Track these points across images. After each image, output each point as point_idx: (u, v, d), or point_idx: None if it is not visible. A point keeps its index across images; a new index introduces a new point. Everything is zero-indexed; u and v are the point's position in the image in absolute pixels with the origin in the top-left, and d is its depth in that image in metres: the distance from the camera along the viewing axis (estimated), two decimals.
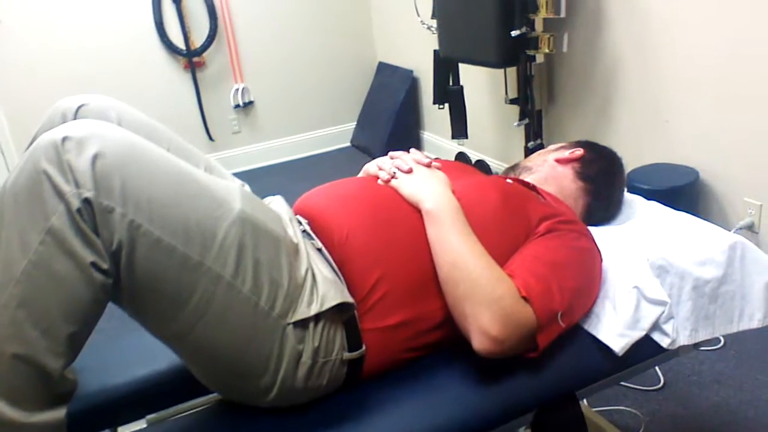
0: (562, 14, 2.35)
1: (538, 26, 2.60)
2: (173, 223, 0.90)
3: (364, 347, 1.05)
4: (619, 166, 1.45)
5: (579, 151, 1.42)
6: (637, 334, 1.13)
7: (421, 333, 1.10)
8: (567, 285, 1.08)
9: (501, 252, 1.10)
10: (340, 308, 1.02)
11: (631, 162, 2.07)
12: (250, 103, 4.09)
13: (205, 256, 0.92)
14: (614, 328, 1.13)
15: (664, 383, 1.87)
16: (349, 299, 1.03)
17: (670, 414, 1.77)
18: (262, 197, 1.23)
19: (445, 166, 1.27)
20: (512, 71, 2.72)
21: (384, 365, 1.10)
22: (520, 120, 2.70)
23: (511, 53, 2.52)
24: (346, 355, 1.04)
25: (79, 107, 1.11)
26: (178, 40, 3.77)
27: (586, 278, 1.14)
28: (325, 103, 4.32)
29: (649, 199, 1.49)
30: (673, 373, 1.91)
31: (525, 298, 1.02)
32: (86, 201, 0.84)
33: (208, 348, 0.97)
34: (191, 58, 3.83)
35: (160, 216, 0.89)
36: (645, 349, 1.16)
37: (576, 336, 1.15)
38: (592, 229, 1.31)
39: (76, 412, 0.95)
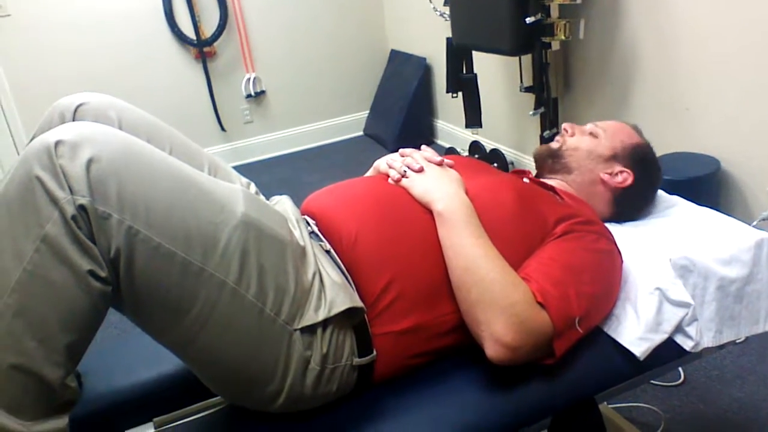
0: (578, 0, 2.29)
1: (554, 12, 2.53)
2: (173, 229, 0.87)
3: (374, 352, 1.03)
4: (655, 192, 1.38)
5: (629, 180, 1.31)
6: (660, 338, 1.09)
7: (433, 337, 1.06)
8: (585, 290, 1.04)
9: (516, 255, 1.07)
10: (350, 313, 0.99)
11: None
12: (262, 92, 4.05)
13: (207, 262, 0.89)
14: (635, 331, 1.09)
15: (685, 379, 1.83)
16: (359, 304, 1.00)
17: (691, 410, 1.73)
18: (275, 188, 1.19)
19: (458, 163, 1.23)
20: (527, 59, 2.67)
21: (395, 370, 1.07)
22: (535, 108, 2.65)
23: (526, 40, 2.47)
24: (356, 360, 1.01)
25: (78, 106, 1.08)
26: (188, 30, 3.73)
27: (605, 282, 1.10)
28: (338, 91, 4.27)
29: (670, 192, 1.44)
30: (694, 369, 1.86)
31: (541, 304, 0.99)
32: (81, 207, 0.82)
33: (213, 355, 0.95)
34: (202, 48, 3.79)
35: (158, 221, 0.86)
36: (667, 352, 1.12)
37: (596, 339, 1.11)
38: (611, 226, 1.26)
39: (82, 416, 0.94)
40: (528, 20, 2.36)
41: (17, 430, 0.84)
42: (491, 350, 0.97)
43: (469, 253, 1.02)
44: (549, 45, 2.56)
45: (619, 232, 1.25)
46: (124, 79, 3.64)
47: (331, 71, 4.21)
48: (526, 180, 1.27)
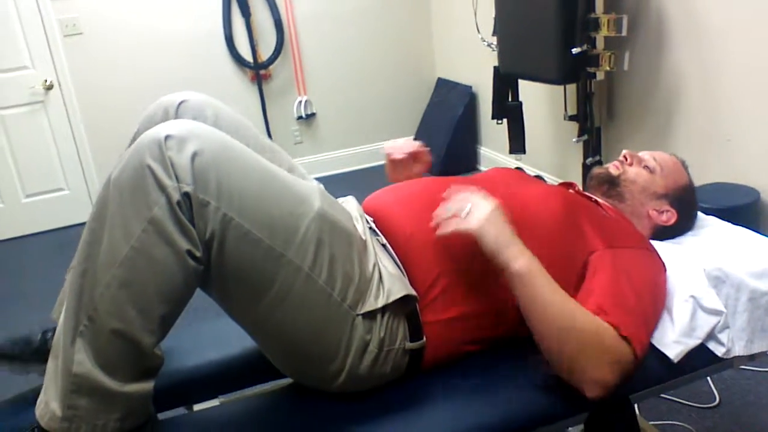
0: (624, 33, 2.36)
1: (599, 44, 2.62)
2: (261, 218, 0.98)
3: (424, 338, 1.12)
4: (687, 229, 1.43)
5: (672, 219, 1.36)
6: (693, 342, 1.15)
7: (479, 327, 1.15)
8: (649, 310, 1.12)
9: (557, 257, 1.14)
10: (404, 301, 1.09)
11: None
12: (312, 115, 4.21)
13: (288, 248, 1.00)
14: (670, 335, 1.15)
15: (720, 401, 1.86)
16: (413, 292, 1.10)
17: None
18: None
19: (508, 174, 1.32)
20: (572, 88, 2.74)
21: (444, 357, 1.15)
22: (579, 136, 2.72)
23: (572, 70, 2.55)
24: (408, 345, 1.10)
25: (180, 103, 1.20)
26: (246, 53, 3.93)
27: (661, 300, 1.17)
28: (384, 116, 4.41)
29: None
30: (729, 392, 1.90)
31: (624, 338, 1.04)
32: (185, 194, 0.93)
33: (285, 333, 1.05)
34: (258, 71, 3.98)
35: (249, 210, 0.97)
36: (700, 358, 1.18)
37: None
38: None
39: (156, 389, 1.03)
40: (574, 51, 2.45)
41: (112, 387, 0.95)
42: (593, 393, 1.02)
43: (558, 312, 1.04)
44: (594, 75, 2.62)
45: (657, 244, 1.32)
46: None
47: (379, 97, 4.35)
48: (571, 191, 1.35)
